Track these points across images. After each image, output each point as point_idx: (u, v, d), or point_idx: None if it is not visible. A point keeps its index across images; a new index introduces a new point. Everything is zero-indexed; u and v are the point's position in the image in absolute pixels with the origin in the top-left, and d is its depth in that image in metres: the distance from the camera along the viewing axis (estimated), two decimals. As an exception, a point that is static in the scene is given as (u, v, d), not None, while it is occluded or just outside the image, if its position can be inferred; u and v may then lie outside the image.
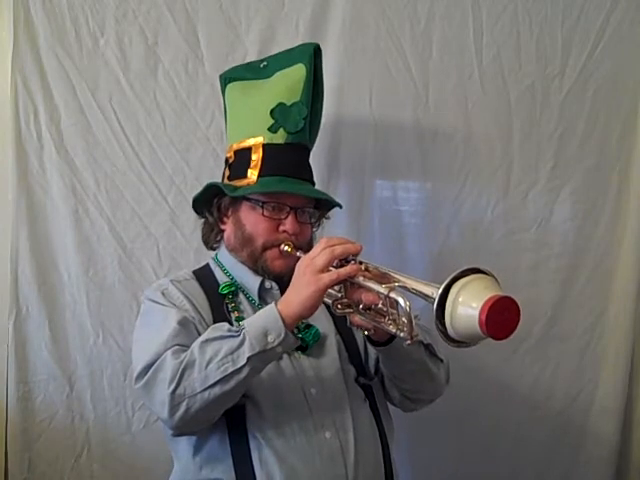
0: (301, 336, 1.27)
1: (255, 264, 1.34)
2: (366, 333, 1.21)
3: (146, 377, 1.15)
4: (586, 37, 1.96)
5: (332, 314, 1.33)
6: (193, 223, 1.84)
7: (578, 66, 1.95)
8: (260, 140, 1.36)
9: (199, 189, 1.41)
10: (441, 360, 1.34)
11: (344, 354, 1.35)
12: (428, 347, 1.29)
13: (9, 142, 1.78)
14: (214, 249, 1.45)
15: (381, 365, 1.35)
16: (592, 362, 2.02)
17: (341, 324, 1.32)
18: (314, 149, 1.75)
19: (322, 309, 1.18)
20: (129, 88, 1.82)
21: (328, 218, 1.48)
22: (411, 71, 1.92)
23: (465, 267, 0.98)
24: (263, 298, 1.35)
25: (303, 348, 1.28)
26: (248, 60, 1.72)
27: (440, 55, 1.92)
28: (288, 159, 1.36)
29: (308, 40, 1.84)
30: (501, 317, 0.92)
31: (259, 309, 1.31)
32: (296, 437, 1.21)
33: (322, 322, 1.32)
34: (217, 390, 1.10)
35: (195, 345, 1.14)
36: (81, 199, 1.81)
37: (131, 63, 1.82)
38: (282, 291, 1.32)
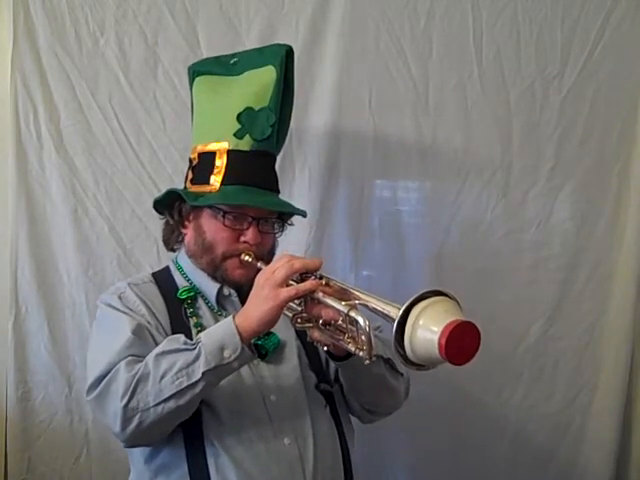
0: (260, 343, 1.24)
1: (215, 272, 1.31)
2: (325, 349, 1.19)
3: (98, 389, 1.13)
4: (586, 37, 1.96)
5: None
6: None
7: (578, 66, 1.95)
8: (225, 146, 1.32)
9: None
10: (401, 374, 1.32)
11: (304, 360, 1.32)
12: (388, 361, 1.27)
13: (9, 142, 1.78)
14: (174, 250, 1.42)
15: (340, 377, 1.33)
16: (591, 362, 2.02)
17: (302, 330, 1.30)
18: (314, 149, 1.76)
19: (283, 316, 1.16)
20: (129, 88, 1.82)
21: (291, 224, 1.43)
22: (411, 71, 1.92)
23: (427, 289, 0.96)
24: (222, 304, 1.33)
25: (262, 355, 1.24)
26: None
27: (440, 55, 1.92)
28: (253, 168, 1.32)
29: (308, 40, 1.85)
30: (461, 342, 0.90)
31: (218, 315, 1.30)
32: (254, 444, 1.19)
33: (282, 328, 1.26)
34: (171, 404, 1.08)
35: (150, 357, 1.11)
36: (80, 199, 1.81)
37: (131, 63, 1.82)
38: (240, 297, 1.30)
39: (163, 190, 1.81)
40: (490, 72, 1.94)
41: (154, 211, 1.85)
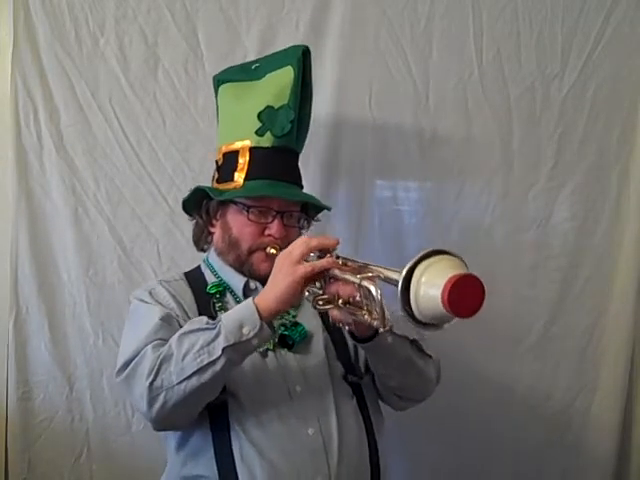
0: (287, 333, 1.29)
1: (242, 267, 1.35)
2: (347, 328, 1.21)
3: (126, 371, 1.17)
4: (586, 37, 1.96)
5: (321, 313, 1.33)
6: (193, 223, 1.84)
7: (578, 66, 1.96)
8: (247, 143, 1.37)
9: (198, 189, 1.41)
10: (429, 356, 1.33)
11: (332, 351, 1.35)
12: (414, 342, 1.29)
13: (9, 142, 1.78)
14: (204, 250, 1.46)
15: (369, 362, 1.34)
16: (592, 362, 2.02)
17: (330, 322, 1.31)
18: (314, 149, 1.75)
19: (310, 308, 1.20)
20: (129, 88, 1.82)
21: (318, 220, 1.48)
22: (411, 71, 1.92)
23: (430, 248, 0.96)
24: (249, 297, 1.35)
25: (289, 345, 1.29)
26: (248, 60, 1.72)
27: (440, 55, 1.92)
28: (275, 162, 1.37)
29: (308, 40, 1.84)
30: (464, 295, 0.90)
31: None
32: (277, 434, 1.22)
33: (310, 320, 1.34)
34: (194, 382, 1.11)
35: (173, 338, 1.15)
36: (81, 199, 1.81)
37: (131, 63, 1.82)
38: None
39: (163, 190, 1.84)
40: (490, 72, 1.94)
41: (154, 211, 1.85)
